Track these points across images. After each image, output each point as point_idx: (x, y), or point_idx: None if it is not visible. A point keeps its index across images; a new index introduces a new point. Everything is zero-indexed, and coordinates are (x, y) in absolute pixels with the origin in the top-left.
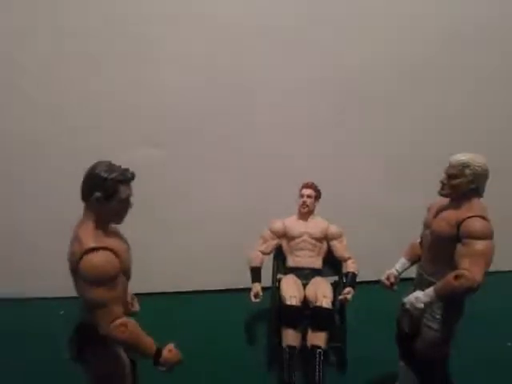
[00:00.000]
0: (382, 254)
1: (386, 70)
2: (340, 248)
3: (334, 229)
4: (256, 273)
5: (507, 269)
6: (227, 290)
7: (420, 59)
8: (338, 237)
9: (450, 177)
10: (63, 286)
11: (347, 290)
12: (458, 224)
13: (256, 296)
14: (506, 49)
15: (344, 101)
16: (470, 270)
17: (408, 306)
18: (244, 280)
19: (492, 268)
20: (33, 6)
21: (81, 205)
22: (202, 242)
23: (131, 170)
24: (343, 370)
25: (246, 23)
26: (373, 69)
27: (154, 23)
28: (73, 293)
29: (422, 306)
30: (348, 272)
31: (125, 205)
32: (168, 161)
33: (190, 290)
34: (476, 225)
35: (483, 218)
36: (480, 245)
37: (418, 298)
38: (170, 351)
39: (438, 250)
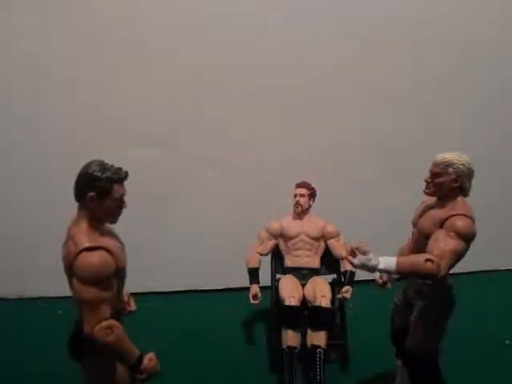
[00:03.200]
0: (381, 252)
1: (386, 70)
2: (337, 247)
3: (330, 228)
4: (254, 274)
5: (506, 267)
6: (227, 290)
7: (420, 59)
8: (335, 235)
9: (433, 175)
10: (62, 285)
11: (345, 288)
12: (442, 223)
13: (255, 297)
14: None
15: (343, 101)
16: (441, 261)
17: (357, 263)
18: (243, 279)
19: (491, 266)
20: (34, 4)
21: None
22: (202, 242)
23: (125, 169)
24: (344, 368)
25: (247, 24)
26: (373, 69)
27: (154, 23)
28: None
29: (373, 265)
30: (346, 270)
31: (119, 204)
32: (167, 161)
33: (189, 289)
34: (460, 223)
35: (467, 216)
36: (458, 243)
37: (373, 261)
38: (150, 360)
39: (424, 248)
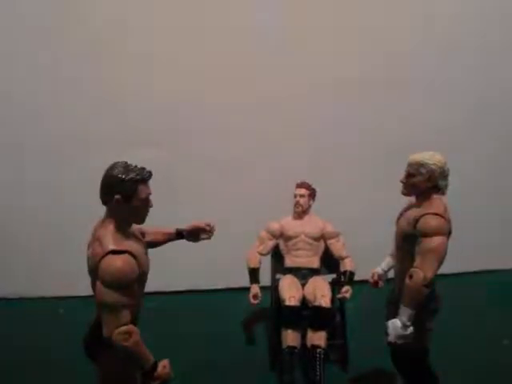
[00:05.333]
0: (381, 252)
1: (386, 70)
2: (337, 247)
3: (330, 228)
4: (254, 274)
5: (506, 267)
6: (227, 290)
7: (421, 58)
8: (334, 236)
9: (408, 176)
10: (63, 285)
11: (345, 288)
12: (415, 222)
13: (255, 297)
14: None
15: (343, 101)
16: (420, 267)
17: (395, 340)
18: (244, 279)
19: (490, 266)
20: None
21: (80, 204)
22: (202, 242)
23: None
24: (345, 368)
25: (246, 24)
26: (373, 69)
27: (154, 23)
28: (72, 292)
29: (408, 330)
30: (345, 271)
31: (145, 204)
32: (168, 161)
33: (189, 289)
34: (429, 222)
35: (438, 215)
36: (431, 241)
37: (398, 326)
38: (164, 367)
39: (403, 247)
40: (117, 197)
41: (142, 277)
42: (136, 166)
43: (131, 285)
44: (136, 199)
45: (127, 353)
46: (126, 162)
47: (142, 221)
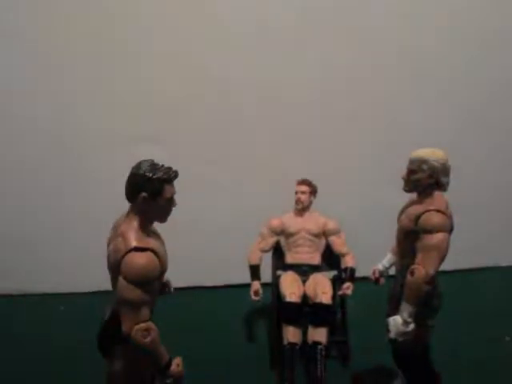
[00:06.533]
0: (381, 249)
1: (386, 70)
2: (338, 243)
3: (331, 224)
4: (255, 270)
5: (507, 264)
6: (228, 286)
7: (420, 59)
8: (336, 232)
9: (409, 173)
10: (64, 281)
11: (346, 285)
12: (416, 218)
13: (256, 294)
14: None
15: (342, 100)
16: (422, 263)
17: (396, 337)
18: (245, 276)
19: (491, 263)
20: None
21: (81, 201)
22: (202, 238)
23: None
24: (345, 364)
25: (245, 23)
26: (372, 70)
27: (154, 21)
28: (73, 289)
29: (409, 326)
30: (346, 267)
31: (170, 203)
32: (168, 159)
33: (190, 285)
34: (430, 219)
35: (440, 211)
36: (432, 238)
37: (399, 323)
38: (178, 365)
39: (404, 244)
40: (143, 195)
41: (162, 274)
42: (163, 166)
43: (153, 282)
44: (162, 198)
45: (145, 350)
46: (152, 161)
47: (164, 220)
